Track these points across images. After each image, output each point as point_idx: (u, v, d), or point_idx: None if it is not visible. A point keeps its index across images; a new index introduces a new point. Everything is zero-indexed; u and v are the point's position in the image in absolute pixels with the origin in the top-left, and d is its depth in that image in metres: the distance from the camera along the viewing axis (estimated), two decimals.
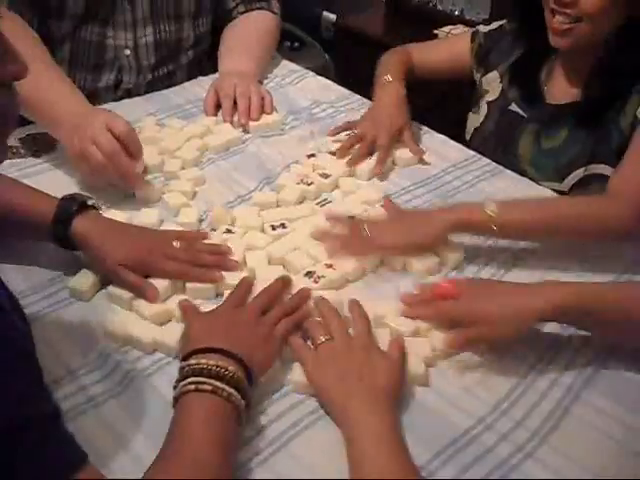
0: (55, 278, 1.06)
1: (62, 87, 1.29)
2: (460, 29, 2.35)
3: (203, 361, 0.80)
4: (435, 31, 2.41)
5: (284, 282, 1.00)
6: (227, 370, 0.79)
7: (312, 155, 1.35)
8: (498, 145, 1.44)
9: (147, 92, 1.63)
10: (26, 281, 1.05)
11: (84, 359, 0.93)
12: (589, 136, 1.29)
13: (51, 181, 1.26)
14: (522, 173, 1.37)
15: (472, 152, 1.43)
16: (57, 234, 1.02)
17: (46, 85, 1.25)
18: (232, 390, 0.78)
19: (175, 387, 0.80)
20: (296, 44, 2.38)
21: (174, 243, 1.06)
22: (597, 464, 0.82)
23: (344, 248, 1.08)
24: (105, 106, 1.53)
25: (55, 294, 1.03)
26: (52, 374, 0.89)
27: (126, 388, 0.89)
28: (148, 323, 0.97)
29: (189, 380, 0.79)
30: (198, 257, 1.05)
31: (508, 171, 1.37)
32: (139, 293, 1.00)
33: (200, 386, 0.78)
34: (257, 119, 1.47)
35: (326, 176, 1.28)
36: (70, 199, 1.04)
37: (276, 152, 1.38)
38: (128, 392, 0.89)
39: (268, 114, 1.49)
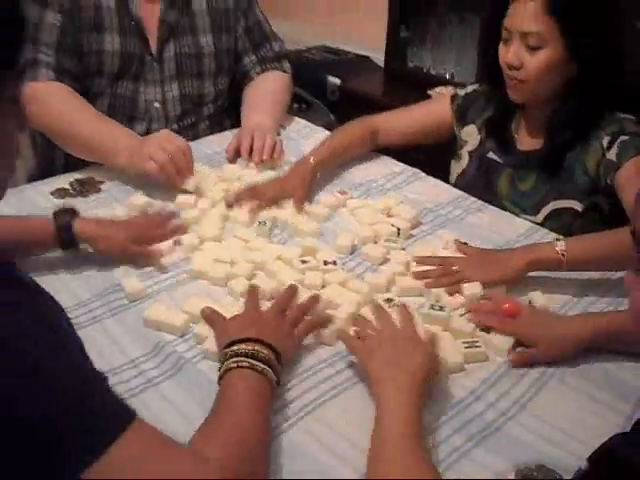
0: (113, 286, 1.26)
1: (116, 127, 1.65)
2: (450, 89, 2.52)
3: (242, 346, 0.98)
4: (429, 91, 2.61)
5: (293, 289, 1.18)
6: (262, 352, 0.98)
7: None
8: (480, 187, 1.65)
9: None
10: (89, 290, 1.25)
11: (143, 350, 1.12)
12: (554, 177, 1.51)
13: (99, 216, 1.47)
14: (503, 208, 1.58)
15: (460, 192, 1.65)
16: (63, 238, 1.25)
17: (102, 127, 1.62)
18: (266, 367, 0.97)
19: (219, 369, 0.98)
20: (304, 106, 2.61)
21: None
22: (566, 425, 1.01)
23: (437, 282, 1.27)
24: None
25: (114, 301, 1.23)
26: (116, 363, 1.09)
27: (179, 371, 1.08)
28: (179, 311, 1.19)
29: (231, 360, 0.97)
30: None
31: (491, 207, 1.59)
32: (147, 258, 1.31)
33: (240, 363, 0.96)
34: (268, 157, 1.71)
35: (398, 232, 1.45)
36: (62, 210, 1.29)
37: None
38: (181, 373, 1.08)
39: (274, 158, 1.72)
